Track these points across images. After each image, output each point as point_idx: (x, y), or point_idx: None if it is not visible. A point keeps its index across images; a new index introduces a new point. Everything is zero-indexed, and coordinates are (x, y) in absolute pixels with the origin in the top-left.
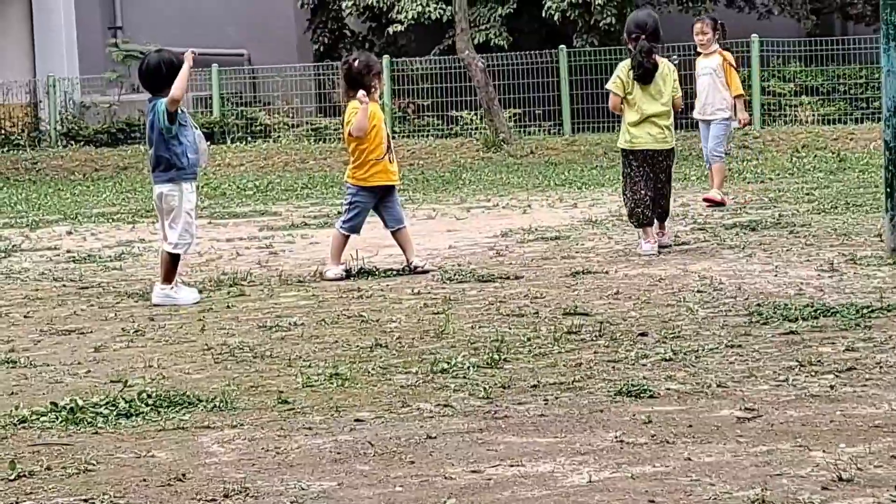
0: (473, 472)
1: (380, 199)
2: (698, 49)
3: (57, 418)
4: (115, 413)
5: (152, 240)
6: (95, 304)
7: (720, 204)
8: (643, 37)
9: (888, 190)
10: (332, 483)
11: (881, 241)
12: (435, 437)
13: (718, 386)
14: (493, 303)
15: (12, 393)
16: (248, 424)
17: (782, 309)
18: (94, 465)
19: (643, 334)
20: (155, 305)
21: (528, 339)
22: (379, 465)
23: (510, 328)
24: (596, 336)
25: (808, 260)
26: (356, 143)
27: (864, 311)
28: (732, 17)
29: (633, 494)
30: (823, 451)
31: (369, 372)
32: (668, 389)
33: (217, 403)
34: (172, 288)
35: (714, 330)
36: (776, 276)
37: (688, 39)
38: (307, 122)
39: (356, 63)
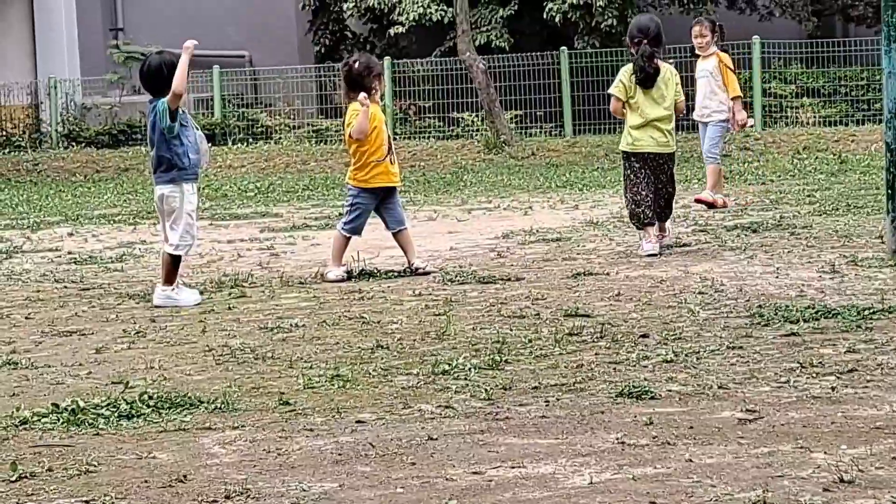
0: (475, 473)
1: (381, 200)
2: (696, 51)
3: (58, 419)
4: (116, 414)
5: (153, 241)
6: (97, 306)
7: (711, 205)
8: (646, 41)
9: (889, 191)
10: (334, 484)
11: (882, 242)
12: (436, 439)
13: (720, 387)
14: (495, 304)
15: (13, 394)
16: (250, 426)
17: (783, 310)
18: (95, 466)
19: (644, 336)
20: (156, 307)
21: (530, 341)
22: (380, 467)
23: (511, 330)
24: (597, 338)
25: (809, 262)
26: (357, 144)
27: (866, 312)
28: (734, 18)
29: (635, 496)
30: (825, 453)
31: (370, 373)
32: (670, 391)
33: (218, 405)
34: (174, 289)
35: (715, 331)
36: (777, 277)
37: (689, 41)
38: (308, 124)
39: (356, 64)
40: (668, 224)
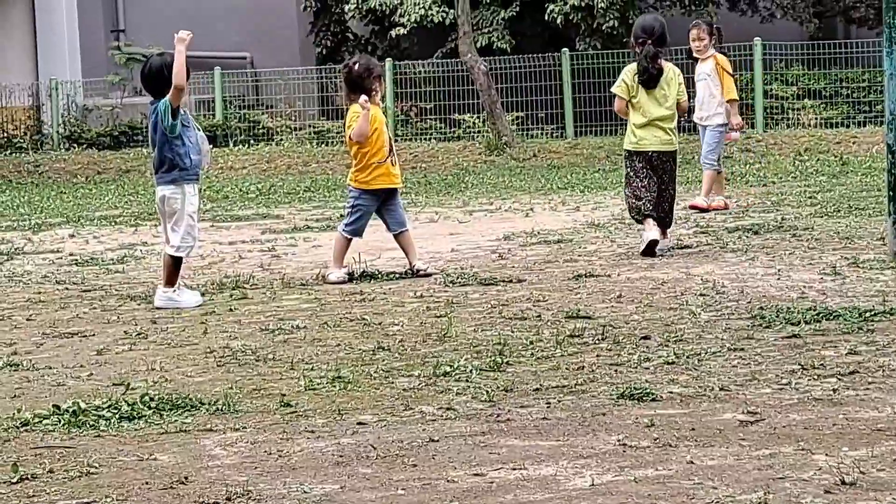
0: (476, 475)
1: (382, 202)
2: (694, 54)
3: (59, 421)
4: (117, 416)
5: (155, 243)
6: (98, 307)
7: (705, 210)
8: (650, 41)
9: (891, 193)
10: (335, 486)
11: (884, 244)
12: (437, 441)
13: (721, 389)
14: (496, 306)
15: (15, 396)
16: (251, 427)
17: (785, 312)
18: (96, 467)
19: (646, 337)
20: (157, 308)
21: (531, 343)
22: (381, 469)
23: (513, 331)
24: (598, 339)
25: (810, 263)
26: (358, 146)
27: (867, 314)
28: (735, 20)
29: (636, 498)
30: (826, 455)
31: (372, 375)
32: (671, 393)
33: (219, 406)
34: (175, 291)
35: (716, 333)
36: (779, 279)
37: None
38: (310, 126)
39: (356, 66)
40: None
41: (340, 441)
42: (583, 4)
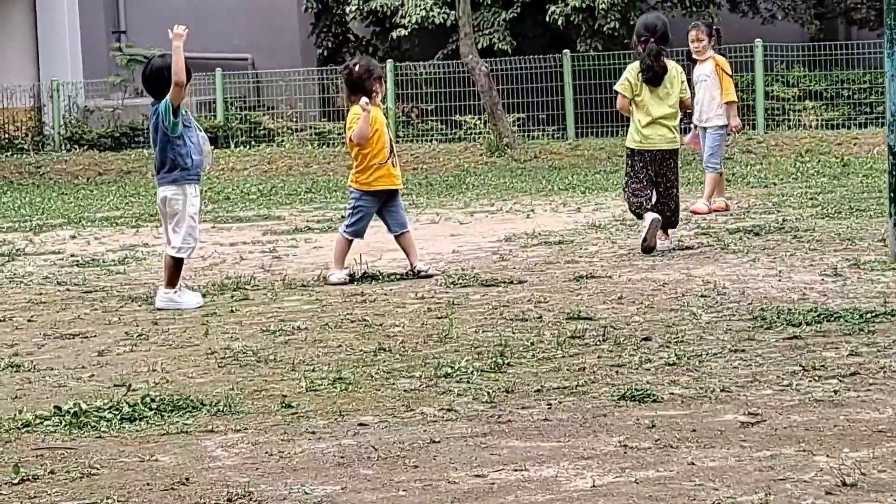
0: (477, 476)
1: (383, 203)
2: (693, 55)
3: (60, 422)
4: (118, 417)
5: (156, 244)
6: (99, 309)
7: (706, 213)
8: (652, 39)
9: (892, 195)
10: (336, 487)
11: (885, 245)
12: (438, 442)
13: (722, 391)
14: (497, 307)
15: (16, 397)
16: (252, 428)
17: (786, 314)
18: (97, 469)
19: (647, 339)
20: (158, 309)
21: (532, 344)
22: (382, 470)
23: (514, 332)
24: (599, 340)
25: (811, 265)
26: (359, 148)
27: (868, 315)
28: (736, 21)
29: (637, 499)
30: (827, 456)
31: (373, 376)
32: (672, 394)
33: (220, 407)
34: (176, 292)
35: (718, 334)
36: (780, 280)
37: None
38: (311, 127)
39: (357, 68)
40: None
41: (342, 442)
42: (584, 6)
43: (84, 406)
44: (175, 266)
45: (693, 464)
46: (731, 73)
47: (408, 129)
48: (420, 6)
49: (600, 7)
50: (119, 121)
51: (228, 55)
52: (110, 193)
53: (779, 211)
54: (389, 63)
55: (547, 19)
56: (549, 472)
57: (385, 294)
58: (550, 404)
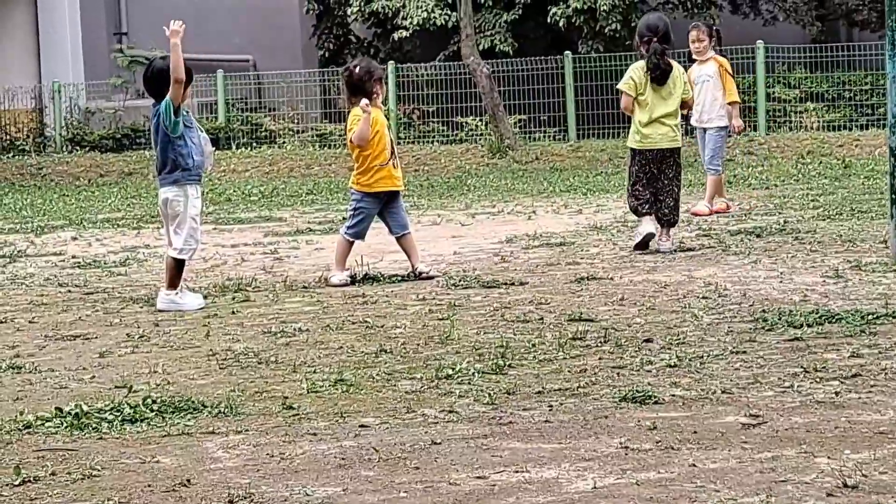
0: (478, 478)
1: (384, 204)
2: (693, 56)
3: (62, 424)
4: (119, 419)
5: (157, 245)
6: (100, 310)
7: (707, 214)
8: (655, 39)
9: (893, 196)
10: (337, 489)
11: (886, 247)
12: (440, 443)
13: (723, 392)
14: (498, 309)
15: (17, 398)
16: (253, 430)
17: (787, 315)
18: (98, 470)
19: (648, 340)
20: (160, 311)
21: (533, 345)
22: (384, 471)
23: (515, 334)
24: (601, 342)
25: (813, 266)
26: (359, 149)
27: (870, 317)
28: (737, 23)
29: (638, 500)
30: (828, 458)
31: (374, 378)
32: (673, 396)
33: (222, 409)
34: (177, 293)
35: (719, 336)
36: (781, 282)
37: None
38: (312, 128)
39: (357, 69)
40: (672, 230)
41: (343, 444)
42: (585, 7)
43: (85, 407)
44: (176, 267)
45: (694, 465)
46: (732, 73)
47: (409, 131)
48: (421, 8)
49: (602, 8)
50: (120, 122)
51: (230, 57)
52: (112, 195)
53: (780, 212)
54: (391, 64)
55: (548, 21)
56: (550, 474)
57: (386, 296)
58: (552, 406)
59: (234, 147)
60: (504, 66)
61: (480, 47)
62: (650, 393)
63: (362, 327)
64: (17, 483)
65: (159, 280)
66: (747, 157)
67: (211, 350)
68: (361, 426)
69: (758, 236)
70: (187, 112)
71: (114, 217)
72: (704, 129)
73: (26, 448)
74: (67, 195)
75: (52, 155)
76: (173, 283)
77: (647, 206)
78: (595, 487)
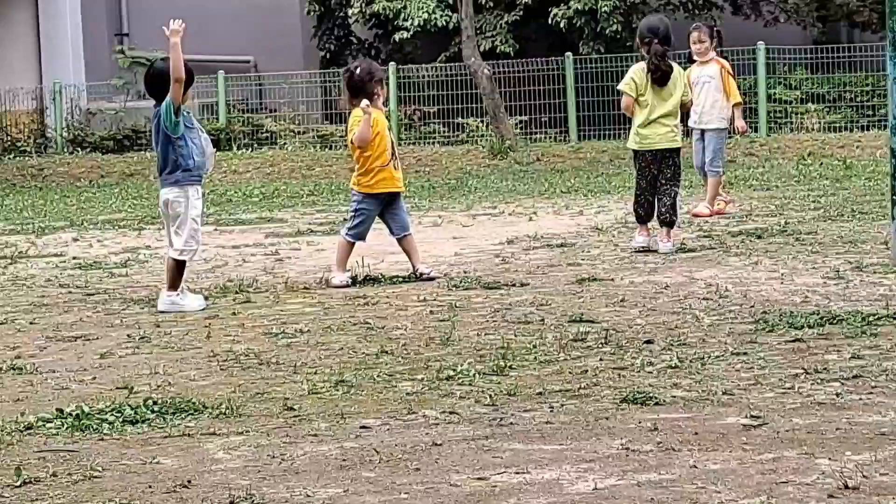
0: (479, 479)
1: (385, 206)
2: (694, 57)
3: (63, 425)
4: (120, 419)
5: (158, 246)
6: (101, 311)
7: (709, 215)
8: (656, 41)
9: (894, 198)
10: (338, 490)
11: (887, 248)
12: (440, 444)
13: (724, 393)
14: (499, 310)
15: (18, 399)
16: (254, 431)
17: (788, 316)
18: (99, 471)
19: (649, 342)
20: (161, 312)
21: (534, 347)
22: (384, 472)
23: (516, 335)
24: (602, 343)
25: (814, 267)
26: (360, 150)
27: (871, 318)
28: (738, 24)
29: (639, 502)
30: (829, 459)
31: (375, 379)
32: (674, 397)
33: (223, 410)
34: (178, 294)
35: (720, 337)
36: (782, 283)
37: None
38: (313, 129)
39: (358, 71)
40: (674, 230)
41: (344, 445)
42: (586, 8)
43: (86, 408)
44: (177, 268)
45: (695, 467)
46: (733, 74)
47: (410, 132)
48: (422, 9)
49: (603, 10)
50: (121, 123)
51: (231, 58)
52: (113, 196)
53: (781, 214)
54: (391, 66)
55: (549, 22)
56: (550, 475)
57: (387, 297)
58: (552, 407)
59: (234, 148)
60: (505, 68)
61: (481, 48)
62: (651, 394)
63: (363, 328)
64: (17, 484)
65: (160, 281)
66: (748, 159)
67: (212, 351)
68: (362, 427)
69: (759, 237)
70: (188, 113)
71: (115, 218)
72: (703, 131)
73: (27, 449)
74: (68, 196)
75: (53, 156)
76: (174, 284)
77: (641, 212)
78: (596, 489)
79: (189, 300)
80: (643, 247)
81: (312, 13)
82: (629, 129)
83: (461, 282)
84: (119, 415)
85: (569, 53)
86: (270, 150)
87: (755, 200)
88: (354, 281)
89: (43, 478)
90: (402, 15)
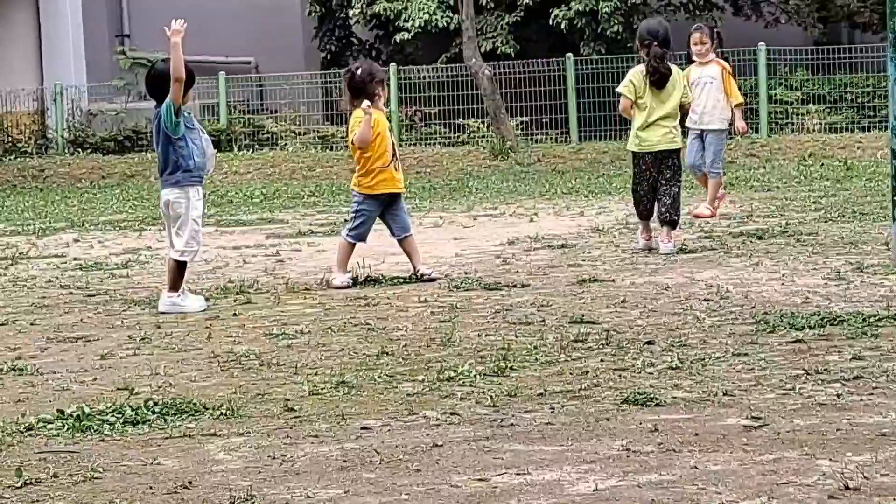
0: (480, 480)
1: (386, 206)
2: (694, 58)
3: (63, 426)
4: (121, 420)
5: (159, 247)
6: (102, 312)
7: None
8: (655, 43)
9: (895, 198)
10: (339, 491)
11: (888, 249)
12: (441, 445)
13: (725, 394)
14: (500, 311)
15: (19, 400)
16: (255, 432)
17: (789, 317)
18: (100, 472)
19: (650, 342)
20: (161, 313)
21: (535, 348)
22: (385, 473)
23: (517, 336)
24: (602, 344)
25: (814, 268)
26: (361, 151)
27: (871, 319)
28: (739, 25)
29: (640, 503)
30: (830, 460)
31: (376, 380)
32: (675, 398)
33: (223, 411)
34: (179, 296)
35: (721, 338)
36: (783, 284)
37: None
38: (314, 130)
39: (359, 71)
40: (675, 231)
41: (344, 446)
42: (587, 9)
43: (87, 409)
44: (178, 269)
45: (696, 467)
46: (734, 76)
47: (411, 133)
48: (423, 10)
49: (603, 11)
50: (122, 124)
51: (232, 59)
52: (113, 197)
53: (782, 214)
54: (392, 66)
55: (550, 23)
56: (551, 476)
57: (388, 298)
58: (553, 408)
59: (235, 149)
60: (506, 69)
61: (482, 49)
62: (652, 395)
63: (364, 329)
64: (18, 485)
65: (161, 282)
66: (749, 160)
67: (212, 352)
68: (363, 428)
69: (759, 238)
70: (189, 114)
71: (115, 219)
72: (703, 132)
73: (28, 450)
74: (69, 197)
75: (54, 157)
76: (175, 285)
77: (644, 211)
78: (596, 489)
79: (190, 301)
80: (647, 247)
81: (313, 14)
82: (630, 130)
83: (462, 283)
84: (120, 416)
85: (569, 54)
86: (271, 151)
87: (756, 201)
88: (355, 282)
89: (44, 479)
90: (403, 16)
